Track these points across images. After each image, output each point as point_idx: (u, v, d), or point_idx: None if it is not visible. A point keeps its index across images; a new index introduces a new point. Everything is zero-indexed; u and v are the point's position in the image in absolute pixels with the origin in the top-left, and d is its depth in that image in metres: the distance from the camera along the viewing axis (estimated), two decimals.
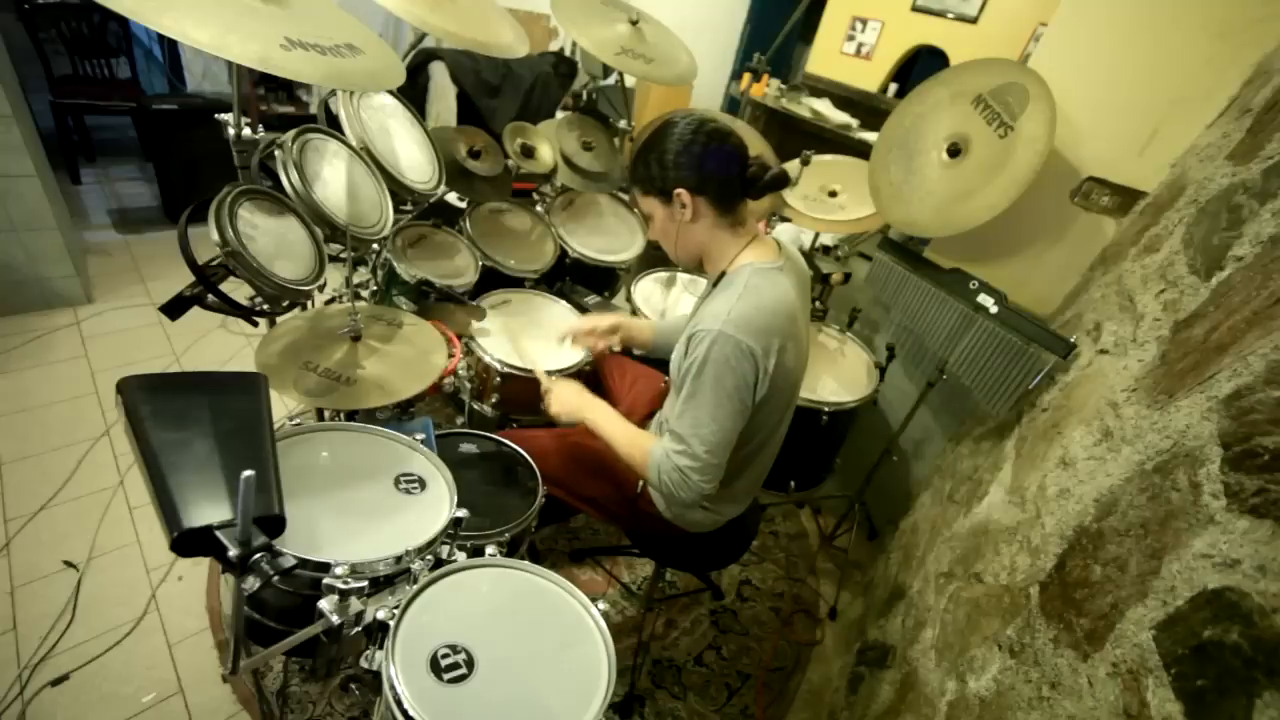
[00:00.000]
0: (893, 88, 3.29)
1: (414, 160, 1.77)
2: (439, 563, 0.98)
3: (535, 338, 1.79)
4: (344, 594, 0.84)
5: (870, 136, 2.87)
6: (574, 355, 1.68)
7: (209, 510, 0.70)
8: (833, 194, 2.07)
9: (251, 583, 0.70)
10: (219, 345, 2.47)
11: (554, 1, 1.87)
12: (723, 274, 1.15)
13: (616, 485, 1.36)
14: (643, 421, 1.49)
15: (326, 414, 1.55)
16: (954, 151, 1.60)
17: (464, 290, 1.81)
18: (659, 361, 1.60)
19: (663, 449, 1.11)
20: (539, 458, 1.38)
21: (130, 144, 3.65)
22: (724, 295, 1.09)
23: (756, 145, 2.02)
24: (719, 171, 1.09)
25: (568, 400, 1.28)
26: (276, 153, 1.35)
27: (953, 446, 1.87)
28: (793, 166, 1.96)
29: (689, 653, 1.75)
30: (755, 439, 1.18)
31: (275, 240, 1.31)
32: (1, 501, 1.73)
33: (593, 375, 1.73)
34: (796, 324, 1.13)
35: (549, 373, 1.48)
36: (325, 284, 1.42)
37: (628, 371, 1.70)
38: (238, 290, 1.28)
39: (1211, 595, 0.66)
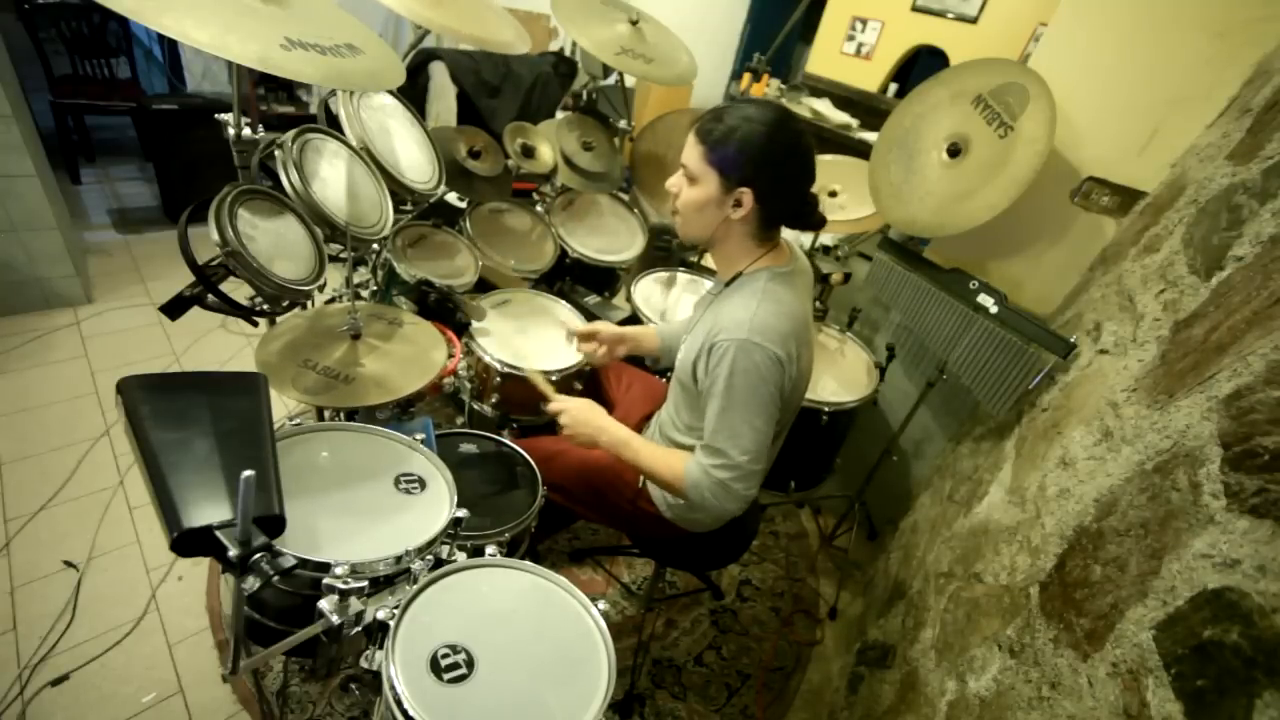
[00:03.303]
0: (893, 88, 3.29)
1: (414, 160, 1.77)
2: (439, 563, 0.98)
3: (535, 338, 1.79)
4: (344, 594, 0.84)
5: (870, 136, 2.88)
6: (574, 356, 1.68)
7: (209, 510, 0.70)
8: (833, 194, 2.07)
9: (251, 583, 0.70)
10: (219, 345, 2.47)
11: (554, 1, 1.87)
12: (738, 274, 1.15)
13: (618, 486, 1.36)
14: (639, 424, 1.49)
15: (326, 413, 1.55)
16: (954, 151, 1.60)
17: (464, 290, 1.81)
18: None
19: (699, 467, 1.09)
20: (539, 462, 1.38)
21: (130, 144, 3.65)
22: (742, 300, 1.09)
23: None
24: (792, 193, 1.09)
25: (584, 422, 1.22)
26: (276, 153, 1.35)
27: (953, 446, 1.87)
28: None
29: (689, 653, 1.75)
30: None
31: (275, 240, 1.31)
32: (1, 501, 1.73)
33: (591, 377, 1.73)
34: (809, 327, 1.15)
35: (547, 374, 1.46)
36: (325, 284, 1.42)
37: (624, 375, 1.70)
38: (238, 290, 1.28)
39: (1211, 595, 0.66)
